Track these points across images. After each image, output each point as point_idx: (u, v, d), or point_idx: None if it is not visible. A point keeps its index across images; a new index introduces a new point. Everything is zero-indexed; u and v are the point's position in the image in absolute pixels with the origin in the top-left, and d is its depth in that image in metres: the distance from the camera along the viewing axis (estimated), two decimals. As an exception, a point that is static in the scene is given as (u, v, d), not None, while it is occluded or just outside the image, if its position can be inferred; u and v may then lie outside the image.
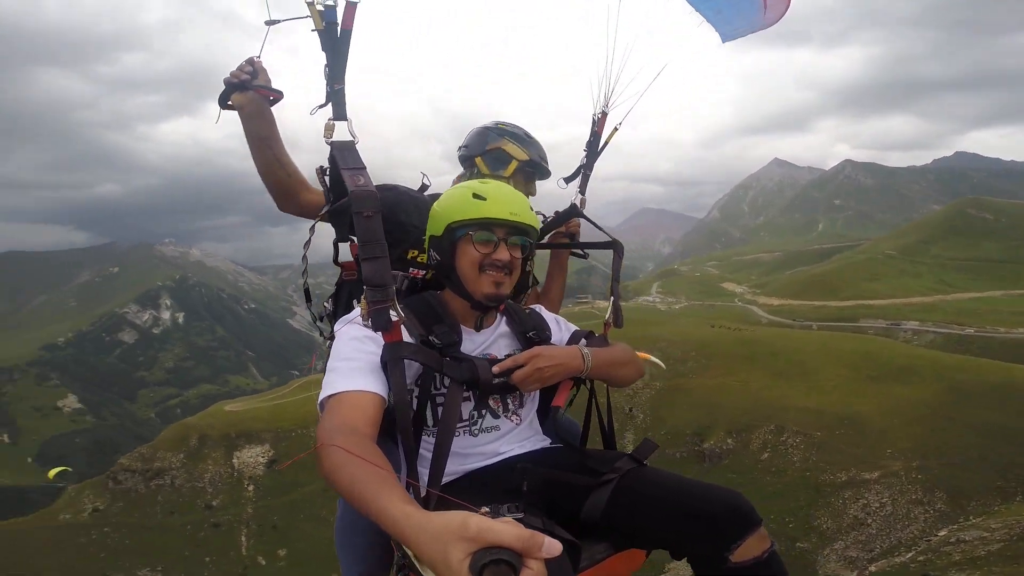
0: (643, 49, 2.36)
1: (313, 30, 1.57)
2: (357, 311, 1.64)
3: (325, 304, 2.10)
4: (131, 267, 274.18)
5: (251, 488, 52.30)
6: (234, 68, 2.09)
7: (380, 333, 1.50)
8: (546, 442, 1.86)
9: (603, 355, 1.83)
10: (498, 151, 2.43)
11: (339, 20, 1.56)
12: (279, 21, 1.87)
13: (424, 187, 2.25)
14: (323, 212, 1.82)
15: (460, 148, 2.55)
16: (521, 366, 1.66)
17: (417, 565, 0.89)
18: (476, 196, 1.68)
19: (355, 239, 1.78)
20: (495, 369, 1.65)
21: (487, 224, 1.67)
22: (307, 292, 1.98)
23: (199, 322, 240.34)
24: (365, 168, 1.57)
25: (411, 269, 2.01)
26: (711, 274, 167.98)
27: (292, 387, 77.50)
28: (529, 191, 2.51)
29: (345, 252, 1.98)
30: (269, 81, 2.09)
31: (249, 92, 2.06)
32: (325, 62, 1.58)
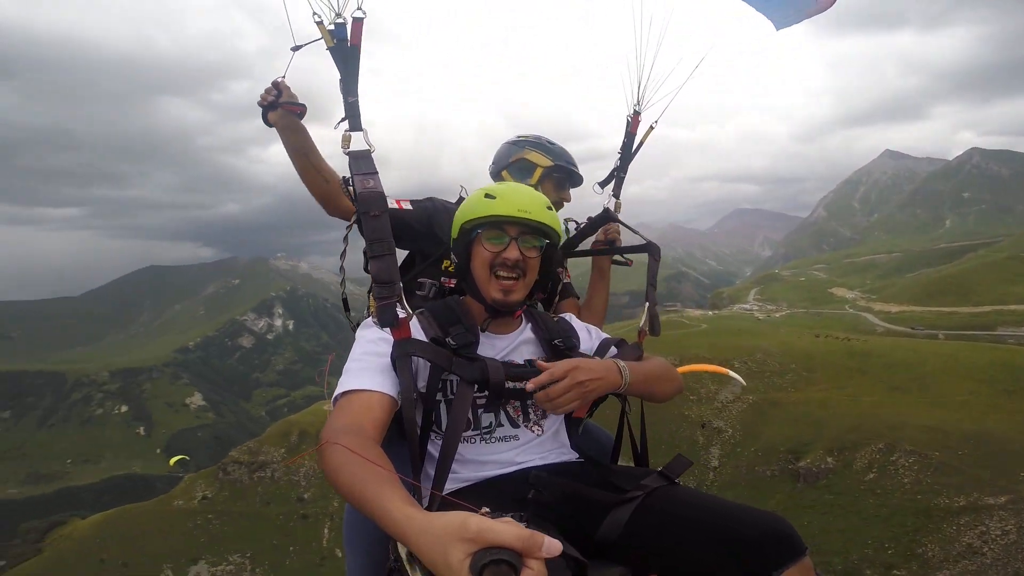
0: (678, 43, 2.28)
1: (327, 49, 1.64)
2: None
3: (365, 312, 2.13)
4: (249, 279, 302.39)
5: (341, 486, 55.04)
6: (264, 90, 2.27)
7: (390, 331, 1.51)
8: (571, 456, 1.76)
9: (641, 370, 1.75)
10: (521, 161, 2.47)
11: (348, 37, 1.62)
12: (303, 45, 2.03)
13: (461, 199, 2.25)
14: (352, 221, 1.85)
15: (489, 166, 2.60)
16: (557, 380, 1.54)
17: (408, 568, 0.92)
18: (488, 196, 1.68)
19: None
20: (529, 385, 1.55)
21: (497, 222, 1.66)
22: (345, 301, 1.97)
23: (307, 329, 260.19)
24: (376, 173, 1.63)
25: (443, 278, 2.11)
26: (818, 279, 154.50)
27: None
28: (562, 197, 2.54)
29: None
30: (294, 97, 2.24)
31: (278, 110, 2.23)
32: (340, 77, 1.64)
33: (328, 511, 52.11)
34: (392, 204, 2.13)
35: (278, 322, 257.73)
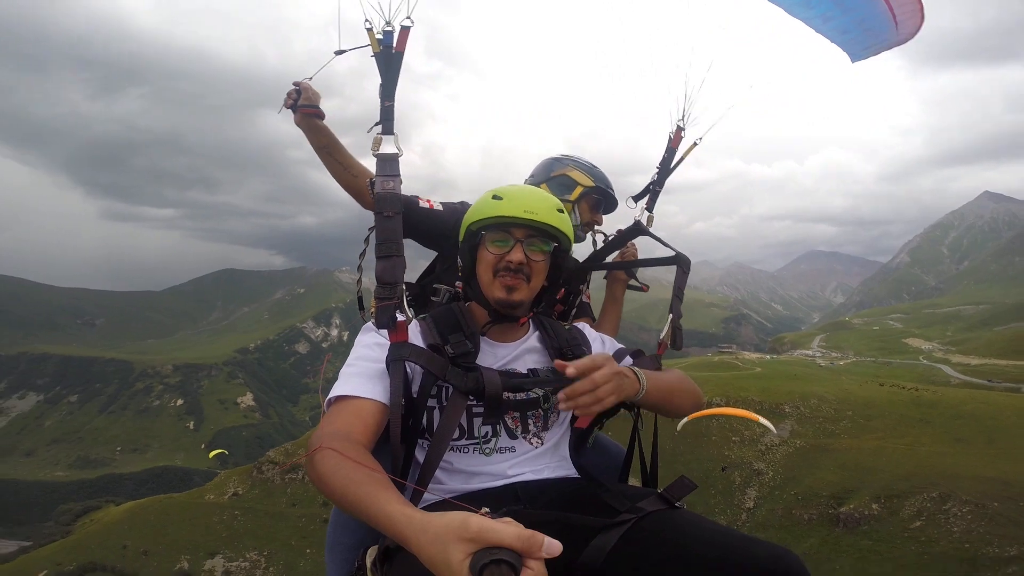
0: (731, 63, 2.26)
1: (372, 56, 1.69)
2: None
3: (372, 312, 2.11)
4: (314, 289, 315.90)
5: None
6: (286, 93, 2.30)
7: (387, 334, 1.50)
8: (570, 471, 1.68)
9: (660, 380, 1.64)
10: (563, 177, 2.50)
11: (394, 43, 1.67)
12: (346, 51, 2.00)
13: None
14: (373, 226, 1.79)
15: (527, 179, 2.61)
16: (590, 370, 1.41)
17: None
18: (495, 197, 1.65)
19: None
20: (571, 370, 1.38)
21: (502, 224, 1.62)
22: (360, 300, 1.99)
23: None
24: (398, 176, 1.63)
25: (458, 283, 2.07)
26: (892, 328, 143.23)
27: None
28: (595, 219, 2.57)
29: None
30: (314, 97, 2.27)
31: (298, 113, 2.28)
32: (380, 82, 1.68)
33: (345, 517, 51.68)
34: (423, 204, 2.21)
35: (334, 332, 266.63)
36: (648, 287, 2.61)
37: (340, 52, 2.06)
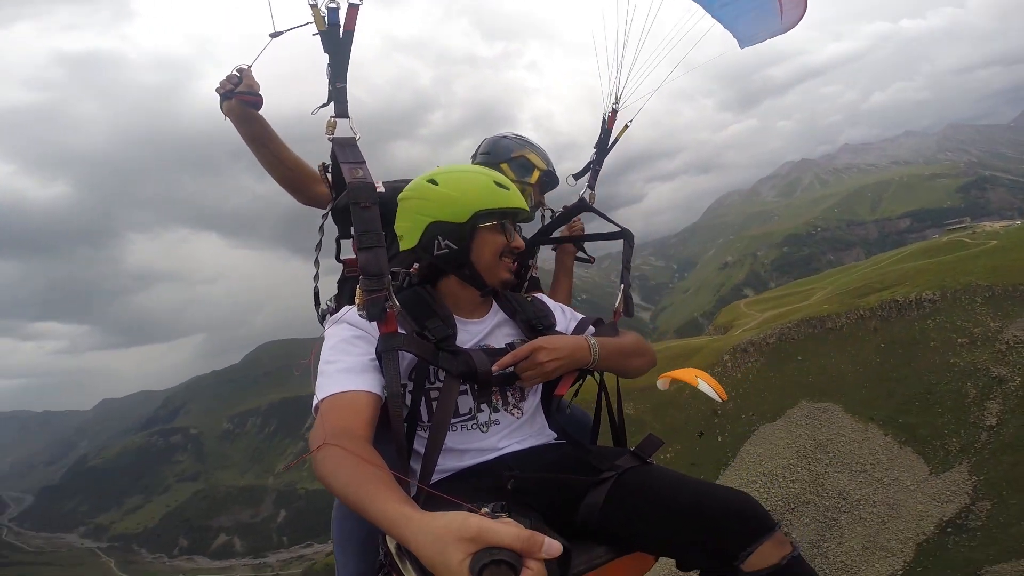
0: (654, 49, 2.41)
1: (315, 34, 1.63)
2: (345, 311, 1.62)
3: (329, 302, 2.09)
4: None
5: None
6: (225, 77, 2.18)
7: (374, 327, 1.49)
8: (550, 437, 1.77)
9: (612, 345, 1.78)
10: (523, 159, 2.54)
11: (341, 22, 1.61)
12: (283, 32, 1.90)
13: None
14: (327, 210, 1.84)
15: (481, 155, 2.62)
16: (521, 360, 1.60)
17: (399, 564, 0.99)
18: (499, 185, 1.69)
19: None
20: (495, 368, 1.58)
21: (511, 214, 1.71)
22: (316, 296, 1.95)
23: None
24: (364, 163, 1.60)
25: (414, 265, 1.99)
26: None
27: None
28: (543, 201, 2.67)
29: (348, 249, 1.99)
30: (254, 86, 2.17)
31: (232, 100, 2.17)
32: (328, 62, 1.63)
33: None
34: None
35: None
36: (594, 259, 2.66)
37: (277, 34, 1.93)
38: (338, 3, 1.61)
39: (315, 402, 1.43)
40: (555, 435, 1.77)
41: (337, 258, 2.02)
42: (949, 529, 30.42)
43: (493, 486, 1.49)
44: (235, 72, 2.19)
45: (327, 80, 1.64)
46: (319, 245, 1.82)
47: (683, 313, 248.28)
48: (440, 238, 1.67)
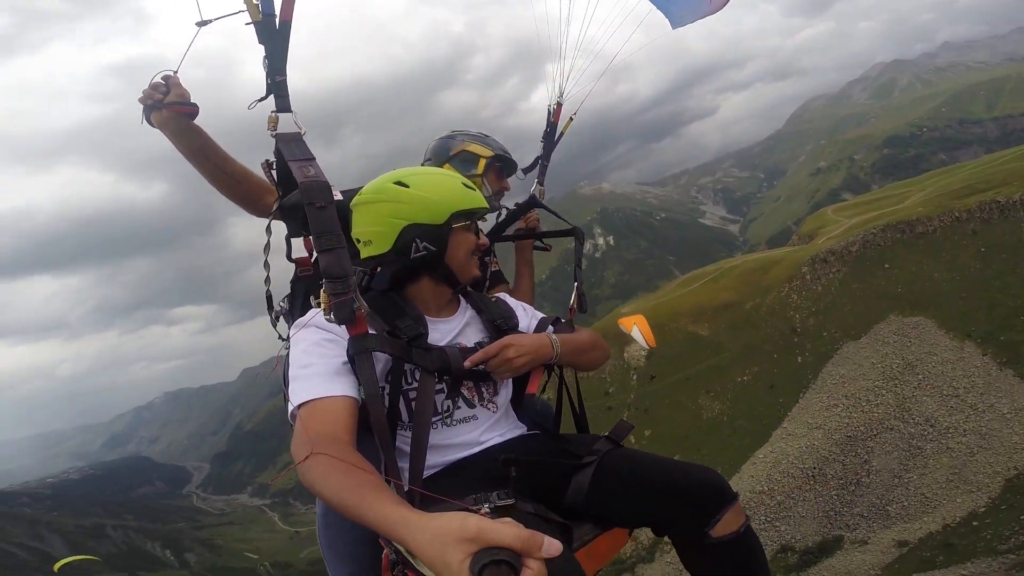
0: (593, 40, 2.45)
1: (248, 23, 1.56)
2: (312, 314, 1.60)
3: (281, 303, 2.01)
4: (568, 212, 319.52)
5: (634, 377, 61.84)
6: (150, 86, 2.01)
7: (343, 330, 1.47)
8: (522, 429, 1.86)
9: (571, 341, 1.86)
10: (464, 153, 2.51)
11: (277, 12, 1.55)
12: (211, 21, 1.76)
13: None
14: (274, 209, 1.81)
15: (425, 161, 2.61)
16: (492, 357, 1.65)
17: (412, 561, 0.94)
18: (467, 186, 1.72)
19: (307, 234, 1.85)
20: (467, 363, 1.63)
21: (480, 213, 1.75)
22: (269, 299, 1.87)
23: (625, 240, 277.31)
24: (315, 159, 1.54)
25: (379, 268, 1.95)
26: None
27: (674, 284, 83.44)
28: (503, 186, 2.62)
29: (299, 248, 1.97)
30: (184, 93, 1.99)
31: (163, 111, 1.99)
32: (264, 54, 1.58)
33: (626, 402, 60.07)
34: None
35: (600, 240, 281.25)
36: (551, 247, 2.69)
37: (205, 22, 1.78)
38: None
39: (291, 409, 1.42)
40: (526, 427, 1.86)
41: (288, 257, 1.97)
42: (1046, 463, 28.73)
43: (484, 477, 1.55)
44: (159, 79, 2.00)
45: (265, 73, 1.60)
46: (267, 247, 1.77)
47: (775, 222, 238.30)
48: (418, 240, 1.66)
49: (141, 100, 2.02)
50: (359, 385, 1.46)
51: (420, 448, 1.49)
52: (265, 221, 1.80)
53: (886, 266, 48.89)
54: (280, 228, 1.87)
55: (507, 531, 0.80)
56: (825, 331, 48.50)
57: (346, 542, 1.80)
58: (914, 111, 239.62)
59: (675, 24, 2.86)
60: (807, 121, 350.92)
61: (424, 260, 1.69)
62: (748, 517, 1.56)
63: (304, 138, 1.60)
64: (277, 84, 1.59)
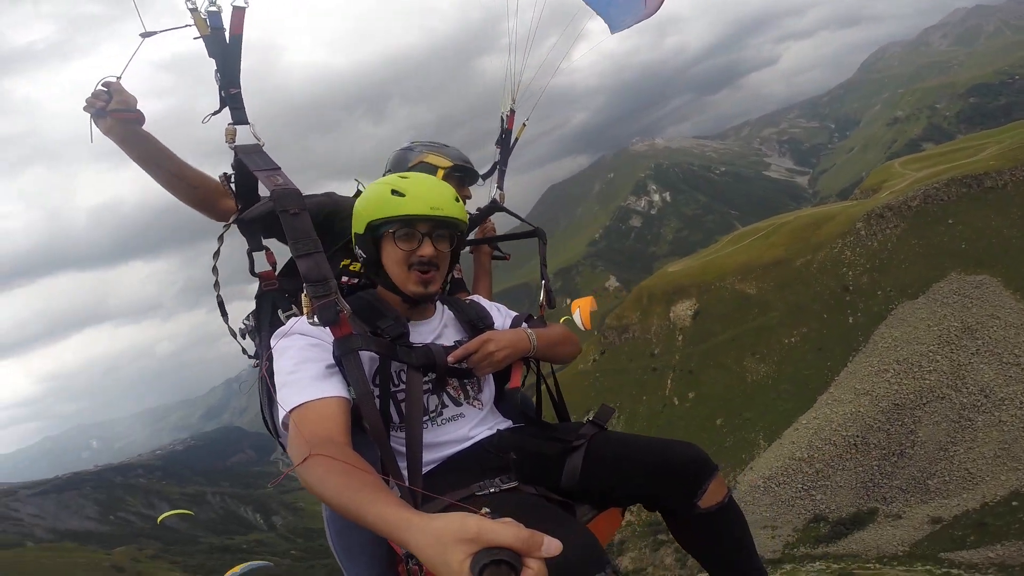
0: (543, 46, 2.50)
1: (196, 37, 1.56)
2: (292, 323, 1.62)
3: (245, 321, 2.01)
4: (620, 169, 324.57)
5: (680, 338, 61.49)
6: (92, 94, 1.93)
7: (327, 333, 1.48)
8: (508, 423, 1.90)
9: (545, 335, 1.92)
10: (421, 165, 2.48)
11: (226, 26, 1.56)
12: (156, 32, 1.73)
13: (359, 193, 2.21)
14: (231, 221, 1.81)
15: (384, 173, 2.57)
16: (473, 353, 1.70)
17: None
18: (395, 192, 1.65)
19: (269, 247, 1.89)
20: (450, 358, 1.67)
21: (408, 221, 1.65)
22: (221, 305, 1.88)
23: (682, 195, 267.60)
24: (280, 168, 1.57)
25: (343, 278, 2.03)
26: None
27: (723, 242, 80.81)
28: (464, 195, 2.59)
29: (262, 263, 1.93)
30: (129, 101, 1.92)
31: (108, 119, 1.92)
32: (215, 68, 1.59)
33: (671, 363, 60.12)
34: None
35: (656, 197, 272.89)
36: (510, 256, 2.71)
37: (149, 34, 1.73)
38: (219, 6, 1.55)
39: (282, 416, 1.42)
40: (511, 422, 1.90)
41: (251, 272, 1.94)
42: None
43: (480, 468, 1.61)
44: (101, 87, 1.93)
45: (218, 86, 1.60)
46: (217, 254, 1.79)
47: (848, 173, 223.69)
48: (357, 248, 1.74)
49: (85, 109, 1.96)
50: (348, 386, 1.48)
51: (415, 445, 1.50)
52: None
53: (949, 221, 45.47)
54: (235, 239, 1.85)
55: (507, 531, 0.80)
56: (880, 289, 46.03)
57: (360, 542, 1.79)
58: (1003, 58, 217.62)
59: (614, 29, 2.95)
60: (881, 69, 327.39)
61: (365, 266, 1.77)
62: (730, 488, 1.64)
63: (264, 149, 1.61)
64: (232, 97, 1.62)
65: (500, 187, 2.67)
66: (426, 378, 1.68)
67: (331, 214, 2.06)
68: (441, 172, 2.45)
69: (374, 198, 1.68)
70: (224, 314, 1.90)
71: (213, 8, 1.55)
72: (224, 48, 1.61)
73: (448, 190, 1.72)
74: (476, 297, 2.07)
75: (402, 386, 1.63)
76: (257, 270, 1.93)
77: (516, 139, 2.74)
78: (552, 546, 0.81)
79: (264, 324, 1.95)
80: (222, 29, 1.59)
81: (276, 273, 1.96)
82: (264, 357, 1.60)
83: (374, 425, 1.44)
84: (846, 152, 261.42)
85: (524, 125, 2.73)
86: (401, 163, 2.51)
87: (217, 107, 1.64)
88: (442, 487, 1.51)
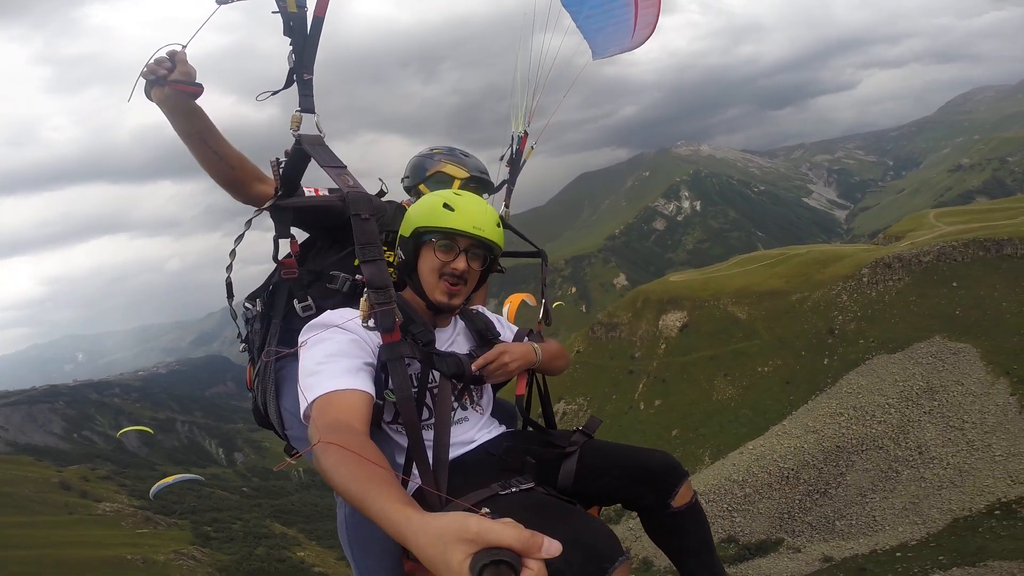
0: (556, 75, 2.69)
1: (275, 12, 1.53)
2: (329, 316, 1.69)
3: (248, 304, 2.05)
4: (657, 169, 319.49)
5: (663, 347, 61.78)
6: (154, 60, 1.89)
7: (366, 333, 1.58)
8: (503, 428, 2.06)
9: (547, 349, 2.10)
10: (438, 174, 2.53)
11: (311, 6, 1.54)
12: (234, 0, 1.69)
13: (382, 192, 2.41)
14: (267, 205, 1.84)
15: (403, 179, 2.65)
16: (491, 362, 1.85)
17: None
18: (446, 206, 1.77)
19: (295, 236, 1.97)
20: (475, 366, 1.83)
21: (451, 234, 1.77)
22: (229, 286, 1.94)
23: (713, 207, 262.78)
24: (347, 167, 1.62)
25: (357, 275, 2.05)
26: None
27: (731, 262, 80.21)
28: None
29: (285, 248, 1.95)
30: (191, 73, 1.90)
31: (165, 88, 1.90)
32: (291, 48, 1.56)
33: (647, 369, 60.36)
34: (309, 193, 2.04)
35: (685, 204, 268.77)
36: (506, 269, 2.69)
37: (225, 1, 1.71)
38: None
39: (304, 406, 1.45)
40: (504, 426, 2.07)
41: (275, 258, 1.96)
42: (997, 512, 26.86)
43: (489, 469, 1.77)
44: (164, 55, 1.88)
45: (289, 68, 1.57)
46: (240, 238, 1.82)
47: (889, 215, 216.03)
48: (399, 249, 1.87)
49: (144, 74, 1.91)
50: (385, 388, 1.59)
51: (442, 447, 1.58)
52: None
53: (953, 284, 44.68)
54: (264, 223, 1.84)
55: (507, 532, 0.80)
56: (863, 338, 45.88)
57: (376, 537, 1.73)
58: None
59: (596, 55, 3.08)
60: (965, 112, 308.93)
61: (400, 267, 1.88)
62: (696, 492, 1.87)
63: (325, 141, 1.60)
64: (304, 83, 1.59)
65: (507, 204, 2.76)
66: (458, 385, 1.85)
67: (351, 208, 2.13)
68: (457, 183, 2.51)
69: (427, 208, 1.79)
70: (230, 295, 1.96)
71: None
72: (303, 29, 1.59)
73: (493, 215, 1.84)
74: (478, 307, 2.17)
75: (430, 385, 1.77)
76: (280, 257, 1.97)
77: (525, 159, 2.87)
78: (552, 547, 0.81)
79: (278, 313, 2.00)
80: (306, 9, 1.56)
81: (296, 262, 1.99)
82: (298, 345, 1.63)
83: (412, 428, 1.51)
84: (895, 192, 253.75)
85: (532, 148, 2.87)
86: (420, 170, 2.57)
87: (279, 87, 1.61)
88: (453, 487, 1.59)
